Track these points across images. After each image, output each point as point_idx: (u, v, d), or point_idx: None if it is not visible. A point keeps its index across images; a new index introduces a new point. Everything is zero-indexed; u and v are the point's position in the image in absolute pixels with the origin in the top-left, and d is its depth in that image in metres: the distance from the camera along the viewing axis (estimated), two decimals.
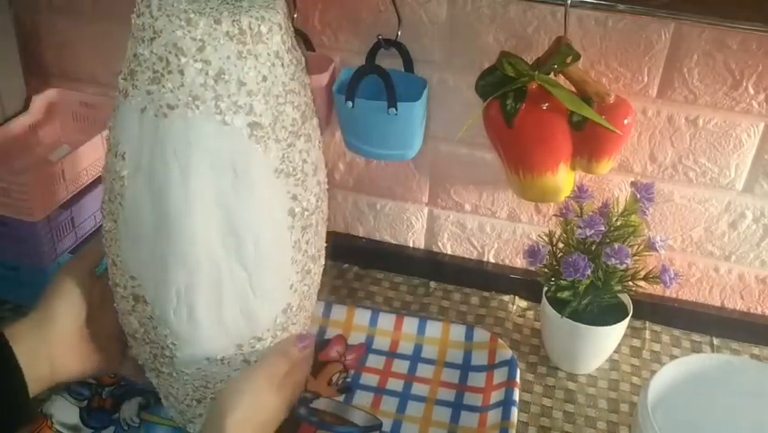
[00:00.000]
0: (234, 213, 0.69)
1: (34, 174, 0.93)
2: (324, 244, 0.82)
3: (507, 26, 0.93)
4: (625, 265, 0.87)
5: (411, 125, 0.95)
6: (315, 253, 0.79)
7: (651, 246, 0.90)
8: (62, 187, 0.97)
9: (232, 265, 0.71)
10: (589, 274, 0.88)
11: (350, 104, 0.92)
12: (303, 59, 0.74)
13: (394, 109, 0.91)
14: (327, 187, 0.79)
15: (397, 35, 0.95)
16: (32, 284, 0.99)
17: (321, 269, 0.82)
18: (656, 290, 1.00)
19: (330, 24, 0.99)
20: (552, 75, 0.87)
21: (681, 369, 0.82)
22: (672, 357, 1.01)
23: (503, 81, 0.87)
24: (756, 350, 1.03)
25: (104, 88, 1.14)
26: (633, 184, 0.92)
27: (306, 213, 0.74)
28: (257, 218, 0.70)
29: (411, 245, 1.14)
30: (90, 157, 1.01)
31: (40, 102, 1.08)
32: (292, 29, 0.72)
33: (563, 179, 0.91)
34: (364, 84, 0.92)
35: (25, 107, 1.08)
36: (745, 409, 0.83)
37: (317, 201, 0.76)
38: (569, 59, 0.85)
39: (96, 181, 1.04)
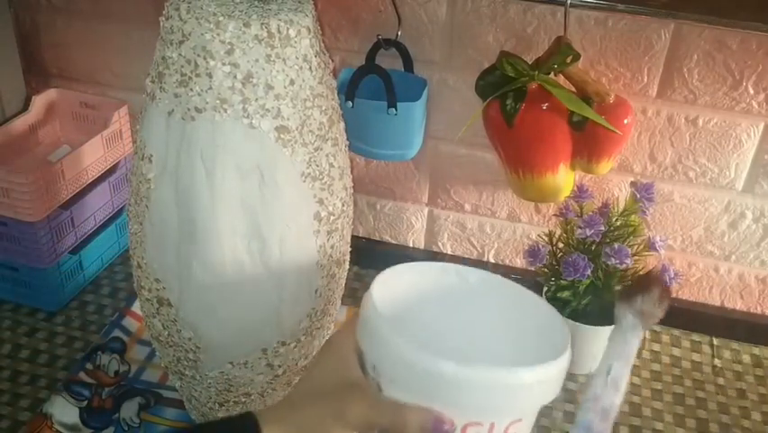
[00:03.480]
0: (260, 216, 0.69)
1: (34, 174, 0.93)
2: (349, 249, 0.81)
3: (507, 26, 0.93)
4: (625, 265, 0.87)
5: (411, 125, 0.95)
6: (340, 258, 0.78)
7: (651, 246, 0.90)
8: (62, 187, 0.97)
9: (257, 269, 0.71)
10: (589, 274, 0.88)
11: (350, 104, 0.92)
12: (330, 62, 0.73)
13: (394, 109, 0.91)
14: (352, 191, 0.79)
15: (397, 35, 0.95)
16: (32, 284, 0.99)
17: (345, 273, 0.82)
18: None
19: (330, 24, 0.98)
20: (552, 75, 0.87)
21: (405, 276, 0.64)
22: (672, 357, 1.01)
23: (503, 81, 0.87)
24: (756, 350, 1.03)
25: (104, 88, 1.14)
26: (633, 184, 0.92)
27: (331, 217, 0.74)
28: (283, 222, 0.70)
29: (411, 245, 1.14)
30: (90, 157, 1.01)
31: (40, 102, 1.08)
32: (320, 32, 0.72)
33: (563, 179, 0.91)
34: (364, 84, 0.92)
35: (25, 107, 1.08)
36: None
37: (343, 205, 0.76)
38: (569, 59, 0.85)
39: (96, 181, 1.04)
